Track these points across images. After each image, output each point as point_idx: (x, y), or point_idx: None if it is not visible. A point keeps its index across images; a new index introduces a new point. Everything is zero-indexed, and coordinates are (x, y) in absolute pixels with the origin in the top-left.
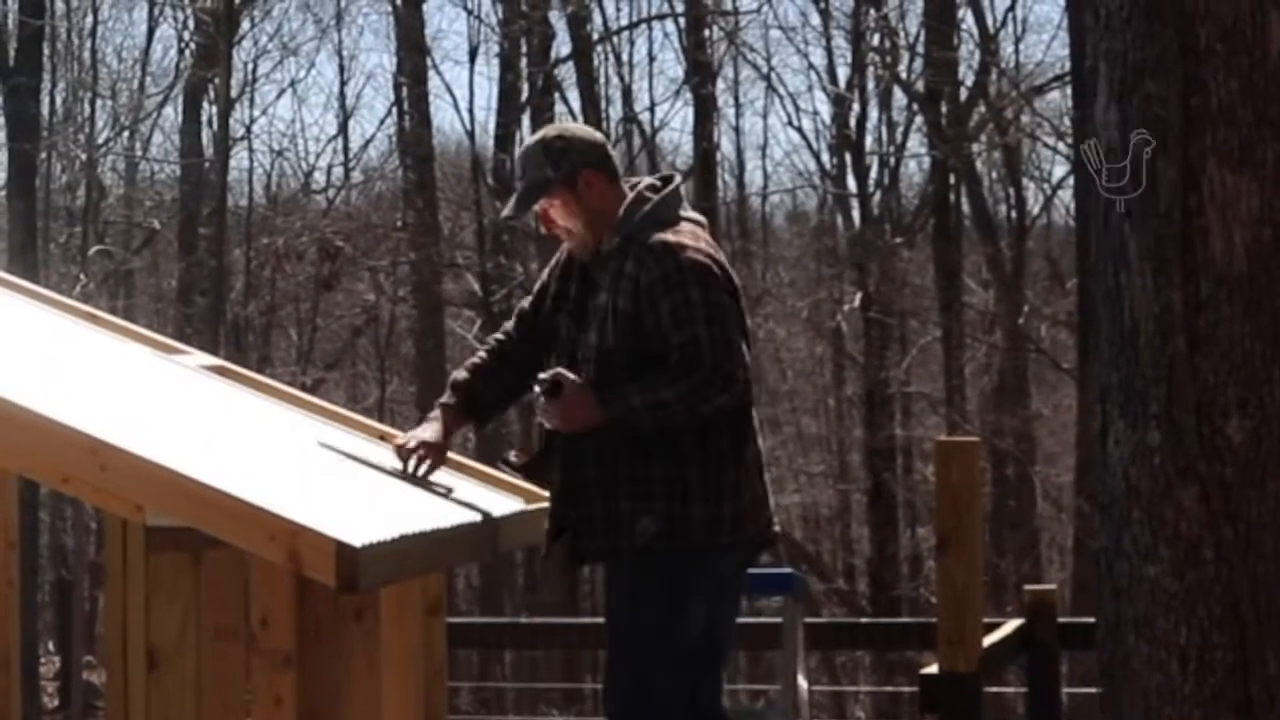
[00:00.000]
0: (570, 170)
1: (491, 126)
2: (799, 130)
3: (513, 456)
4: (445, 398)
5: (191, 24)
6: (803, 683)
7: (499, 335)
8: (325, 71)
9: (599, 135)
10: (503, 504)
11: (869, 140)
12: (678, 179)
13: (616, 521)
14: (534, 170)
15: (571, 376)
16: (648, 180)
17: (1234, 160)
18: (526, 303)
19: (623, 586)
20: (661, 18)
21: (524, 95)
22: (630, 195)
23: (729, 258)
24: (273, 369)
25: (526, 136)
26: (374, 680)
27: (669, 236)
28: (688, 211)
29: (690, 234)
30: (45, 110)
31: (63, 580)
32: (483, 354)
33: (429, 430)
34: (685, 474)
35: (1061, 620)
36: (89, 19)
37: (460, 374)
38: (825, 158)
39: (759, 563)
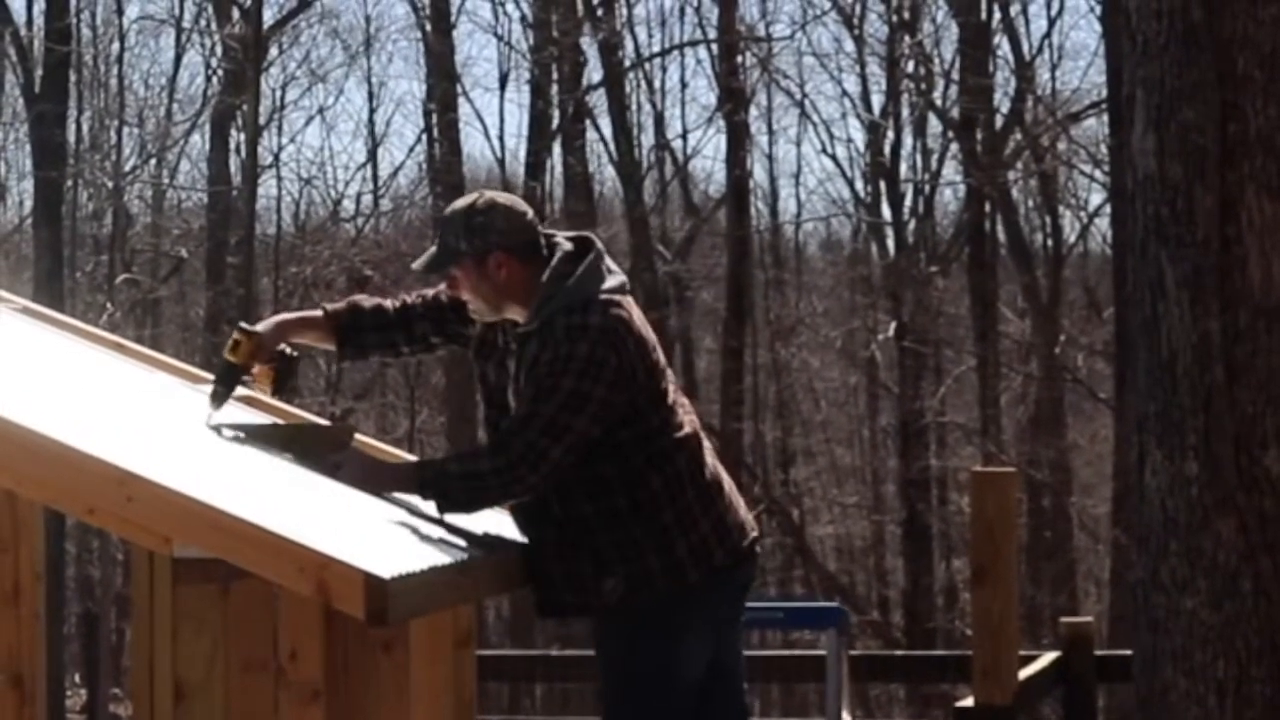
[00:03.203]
0: (483, 248)
1: (522, 154)
2: (833, 158)
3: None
4: (334, 306)
5: (219, 50)
6: (847, 717)
7: (410, 299)
8: (354, 99)
9: (524, 213)
10: None
11: (903, 168)
12: (595, 244)
13: (581, 582)
14: (450, 237)
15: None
16: (565, 245)
17: (1272, 188)
18: (445, 297)
19: (615, 640)
20: (694, 44)
21: (555, 122)
22: (547, 273)
23: (762, 287)
24: (301, 399)
25: (555, 161)
26: (403, 713)
27: (575, 319)
28: (608, 280)
29: (600, 314)
30: (72, 138)
31: (89, 612)
32: (391, 302)
33: (280, 323)
34: (630, 534)
35: (1098, 653)
36: (115, 46)
37: (365, 301)
38: (859, 185)
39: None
